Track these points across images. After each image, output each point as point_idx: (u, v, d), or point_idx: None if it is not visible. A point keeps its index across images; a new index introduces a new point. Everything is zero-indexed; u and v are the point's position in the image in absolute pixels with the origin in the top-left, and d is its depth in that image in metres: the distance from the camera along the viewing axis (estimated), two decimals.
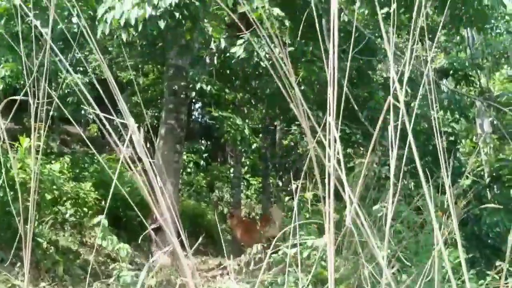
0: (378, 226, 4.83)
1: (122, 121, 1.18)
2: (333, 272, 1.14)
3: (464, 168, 9.82)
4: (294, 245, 5.87)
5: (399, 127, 1.33)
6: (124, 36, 5.81)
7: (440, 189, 5.06)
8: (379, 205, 5.26)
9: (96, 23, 6.13)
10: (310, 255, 5.43)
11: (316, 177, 1.34)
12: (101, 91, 1.26)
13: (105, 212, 5.42)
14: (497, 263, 4.75)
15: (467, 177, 8.70)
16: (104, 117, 1.24)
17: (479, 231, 8.71)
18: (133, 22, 5.58)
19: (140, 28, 5.71)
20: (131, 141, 1.16)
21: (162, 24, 5.73)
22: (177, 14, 5.89)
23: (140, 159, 1.21)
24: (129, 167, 1.30)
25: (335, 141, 1.23)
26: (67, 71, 10.56)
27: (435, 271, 1.45)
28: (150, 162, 1.16)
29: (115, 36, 6.38)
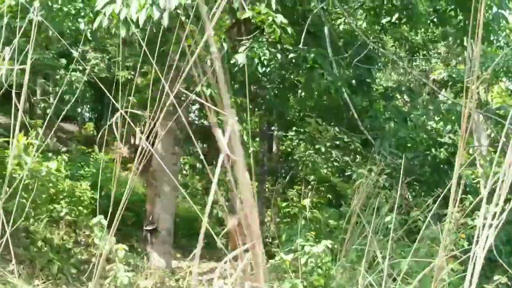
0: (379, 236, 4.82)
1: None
2: None
3: (464, 180, 9.76)
4: (290, 251, 5.86)
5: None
6: (122, 33, 5.69)
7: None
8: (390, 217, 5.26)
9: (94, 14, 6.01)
10: (307, 262, 5.43)
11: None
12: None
13: (97, 211, 5.38)
14: (495, 277, 4.72)
15: (466, 191, 8.64)
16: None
17: None
18: (134, 18, 5.47)
19: (141, 25, 5.60)
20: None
21: (166, 23, 5.63)
22: (182, 18, 5.81)
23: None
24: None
25: None
26: (65, 68, 10.54)
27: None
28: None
29: (113, 33, 6.32)
